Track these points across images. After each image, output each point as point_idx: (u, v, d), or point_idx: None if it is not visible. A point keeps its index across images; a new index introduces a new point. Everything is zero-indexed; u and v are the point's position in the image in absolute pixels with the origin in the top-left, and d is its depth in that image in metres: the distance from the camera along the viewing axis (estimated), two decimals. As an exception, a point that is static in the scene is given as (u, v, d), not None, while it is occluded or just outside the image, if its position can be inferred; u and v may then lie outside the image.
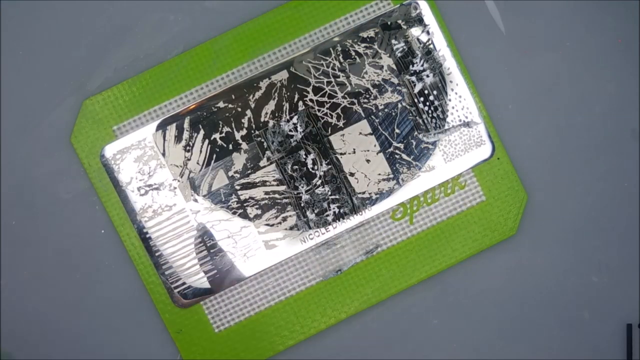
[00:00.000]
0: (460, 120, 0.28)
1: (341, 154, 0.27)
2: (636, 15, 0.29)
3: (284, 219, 0.27)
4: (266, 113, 0.27)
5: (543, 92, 0.29)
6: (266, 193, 0.27)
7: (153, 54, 0.28)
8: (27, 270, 0.28)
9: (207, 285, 0.27)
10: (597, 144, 0.29)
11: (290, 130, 0.27)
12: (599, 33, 0.29)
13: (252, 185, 0.27)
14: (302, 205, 0.27)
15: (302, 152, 0.27)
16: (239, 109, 0.27)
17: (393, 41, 0.28)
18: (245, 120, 0.27)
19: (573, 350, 0.29)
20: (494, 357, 0.29)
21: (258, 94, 0.27)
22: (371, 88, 0.28)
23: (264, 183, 0.27)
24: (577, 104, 0.29)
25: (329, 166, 0.27)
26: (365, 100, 0.28)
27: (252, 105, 0.27)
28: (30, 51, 0.28)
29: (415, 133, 0.28)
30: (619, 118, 0.29)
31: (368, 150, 0.28)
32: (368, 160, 0.28)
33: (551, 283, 0.29)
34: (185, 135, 0.27)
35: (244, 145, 0.27)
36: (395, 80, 0.28)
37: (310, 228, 0.27)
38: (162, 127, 0.27)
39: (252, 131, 0.27)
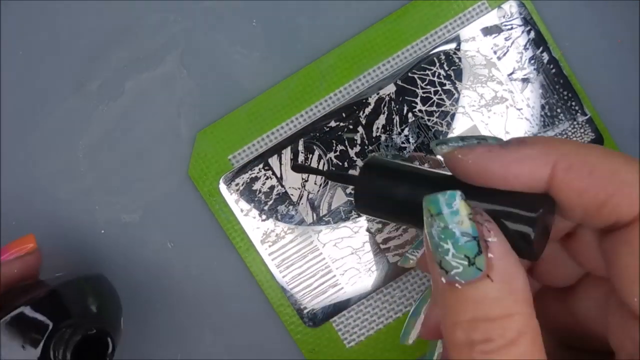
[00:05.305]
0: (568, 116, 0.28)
1: (454, 161, 0.28)
2: (636, 15, 0.29)
3: (405, 230, 0.28)
4: (377, 128, 0.27)
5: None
6: (385, 207, 0.27)
7: (153, 54, 0.28)
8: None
9: (334, 302, 0.27)
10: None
11: (402, 142, 0.28)
12: (599, 33, 0.29)
13: (370, 200, 0.27)
14: (421, 215, 0.27)
15: (416, 163, 0.28)
16: (351, 126, 0.27)
17: (493, 43, 0.28)
18: (357, 137, 0.27)
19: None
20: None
21: (368, 110, 0.27)
22: (477, 93, 0.28)
23: (381, 197, 0.27)
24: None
25: (443, 174, 0.28)
26: (474, 106, 0.28)
27: (363, 122, 0.27)
28: (30, 51, 0.28)
29: (524, 133, 0.28)
30: (619, 118, 0.29)
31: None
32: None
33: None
34: (301, 157, 0.27)
35: (359, 162, 0.27)
36: (501, 83, 0.28)
37: (430, 237, 0.28)
38: (276, 151, 0.27)
39: (366, 147, 0.27)
